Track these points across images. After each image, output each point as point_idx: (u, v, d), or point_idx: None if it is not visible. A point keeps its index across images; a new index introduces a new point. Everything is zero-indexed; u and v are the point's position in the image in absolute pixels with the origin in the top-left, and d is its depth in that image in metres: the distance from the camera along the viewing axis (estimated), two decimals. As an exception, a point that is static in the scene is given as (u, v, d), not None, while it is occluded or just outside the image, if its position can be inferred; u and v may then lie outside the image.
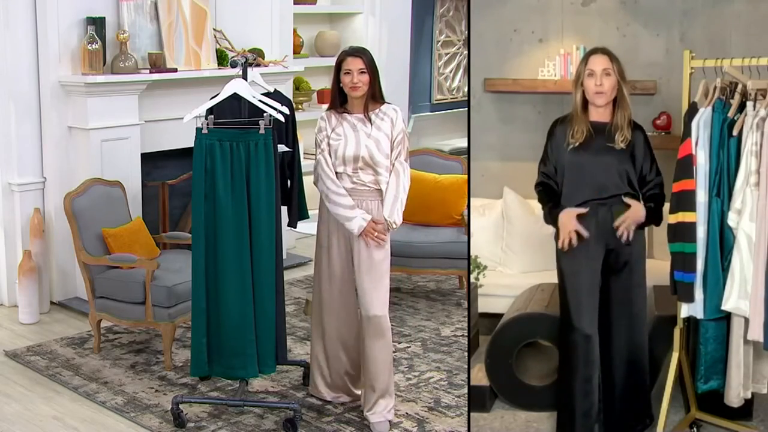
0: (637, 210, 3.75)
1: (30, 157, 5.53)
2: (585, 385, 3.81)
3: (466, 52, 8.81)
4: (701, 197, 3.61)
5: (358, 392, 4.29)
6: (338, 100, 4.07)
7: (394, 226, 4.02)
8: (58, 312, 5.58)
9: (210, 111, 4.05)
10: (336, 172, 4.04)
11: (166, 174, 5.97)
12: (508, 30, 4.98)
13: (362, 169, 4.01)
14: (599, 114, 3.79)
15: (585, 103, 3.80)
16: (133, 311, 4.73)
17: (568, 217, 3.77)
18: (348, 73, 3.98)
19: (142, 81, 5.56)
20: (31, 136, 5.52)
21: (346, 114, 4.06)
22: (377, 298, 4.03)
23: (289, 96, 6.40)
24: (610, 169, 3.76)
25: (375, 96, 4.03)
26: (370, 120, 4.02)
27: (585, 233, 3.74)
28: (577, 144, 3.78)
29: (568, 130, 3.80)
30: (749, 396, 3.76)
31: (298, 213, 4.87)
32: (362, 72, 3.97)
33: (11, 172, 5.50)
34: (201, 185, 3.93)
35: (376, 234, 3.97)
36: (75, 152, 5.50)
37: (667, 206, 3.75)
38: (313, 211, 4.35)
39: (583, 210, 3.76)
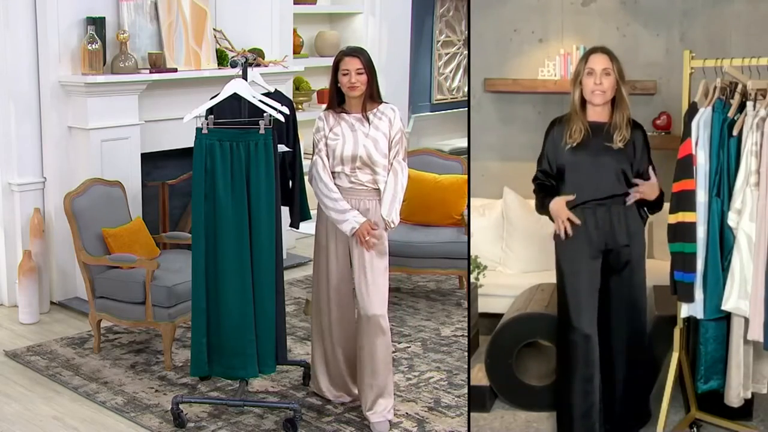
0: (654, 185, 3.76)
1: (30, 157, 5.53)
2: (585, 385, 3.81)
3: (466, 52, 8.80)
4: (701, 197, 3.61)
5: (358, 392, 4.30)
6: (336, 100, 4.08)
7: (392, 225, 4.02)
8: (58, 312, 5.57)
9: (210, 111, 4.05)
10: (334, 172, 4.04)
11: (166, 174, 5.96)
12: (508, 30, 4.97)
13: (360, 168, 4.01)
14: (597, 114, 3.79)
15: (583, 102, 3.80)
16: (133, 311, 4.73)
17: (559, 205, 3.78)
18: (346, 73, 3.98)
19: (142, 81, 5.56)
20: (31, 136, 5.52)
21: (344, 114, 4.06)
22: (376, 297, 4.02)
23: (289, 96, 6.40)
24: (608, 169, 3.75)
25: (373, 96, 4.03)
26: (368, 120, 4.02)
27: (577, 220, 3.75)
28: (575, 144, 3.77)
29: (566, 130, 3.80)
30: (749, 396, 3.76)
31: (300, 213, 4.87)
32: (360, 72, 3.97)
33: (11, 172, 5.49)
34: (201, 185, 3.92)
35: (367, 238, 3.97)
36: (75, 152, 5.50)
37: (667, 206, 3.75)
38: (314, 211, 4.35)
39: (571, 197, 3.77)
